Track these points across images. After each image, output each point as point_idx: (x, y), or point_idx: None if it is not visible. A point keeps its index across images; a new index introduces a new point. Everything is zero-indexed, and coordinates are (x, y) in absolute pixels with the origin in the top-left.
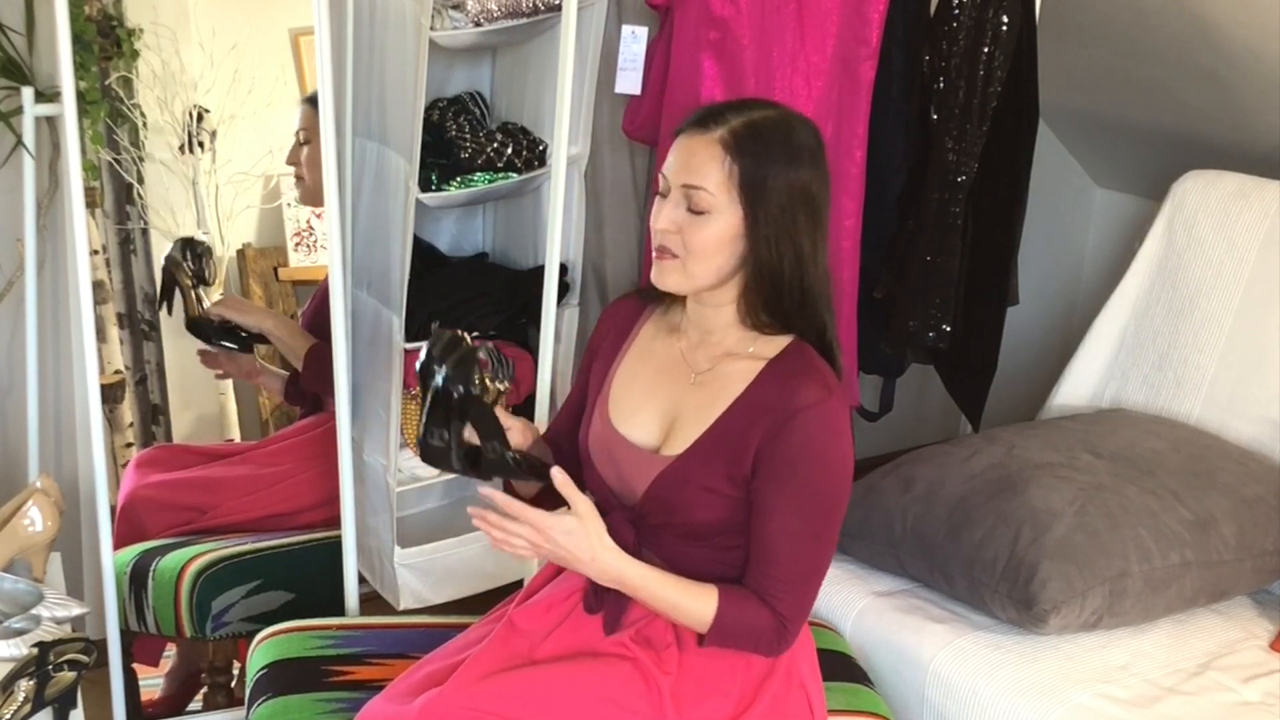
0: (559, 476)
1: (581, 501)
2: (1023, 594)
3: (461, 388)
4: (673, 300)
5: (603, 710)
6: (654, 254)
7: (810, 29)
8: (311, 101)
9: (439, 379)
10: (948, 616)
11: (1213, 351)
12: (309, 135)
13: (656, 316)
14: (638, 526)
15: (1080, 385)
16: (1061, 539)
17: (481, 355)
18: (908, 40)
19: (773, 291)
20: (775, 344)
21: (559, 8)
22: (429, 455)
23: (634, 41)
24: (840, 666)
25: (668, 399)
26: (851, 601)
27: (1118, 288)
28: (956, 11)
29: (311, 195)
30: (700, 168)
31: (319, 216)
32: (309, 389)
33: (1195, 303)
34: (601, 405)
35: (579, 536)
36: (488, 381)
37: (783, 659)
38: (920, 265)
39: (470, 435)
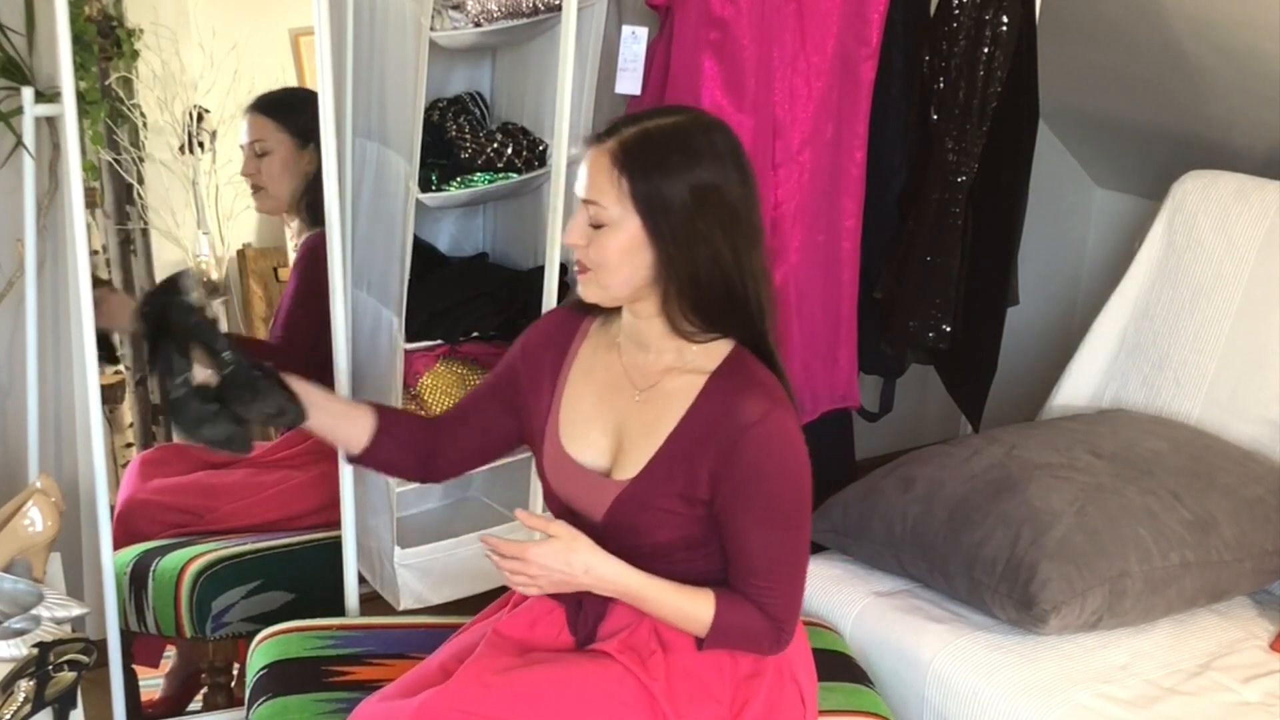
0: (524, 517)
1: (556, 526)
2: (1023, 594)
3: (166, 310)
4: (610, 312)
5: (601, 709)
6: (574, 269)
7: (810, 29)
8: (260, 108)
9: (149, 316)
10: (948, 616)
11: (1213, 351)
12: (265, 146)
13: (596, 330)
14: (602, 546)
15: (1080, 385)
16: (1061, 539)
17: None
18: (908, 40)
19: (694, 296)
20: (713, 354)
21: (559, 8)
22: (182, 416)
23: (634, 42)
24: (840, 666)
25: (614, 417)
26: (851, 601)
27: (1118, 288)
28: (956, 12)
29: (275, 205)
30: (594, 182)
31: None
32: None
33: (1195, 303)
34: (552, 428)
35: (566, 554)
36: (193, 299)
37: (773, 661)
38: (920, 265)
39: (206, 378)
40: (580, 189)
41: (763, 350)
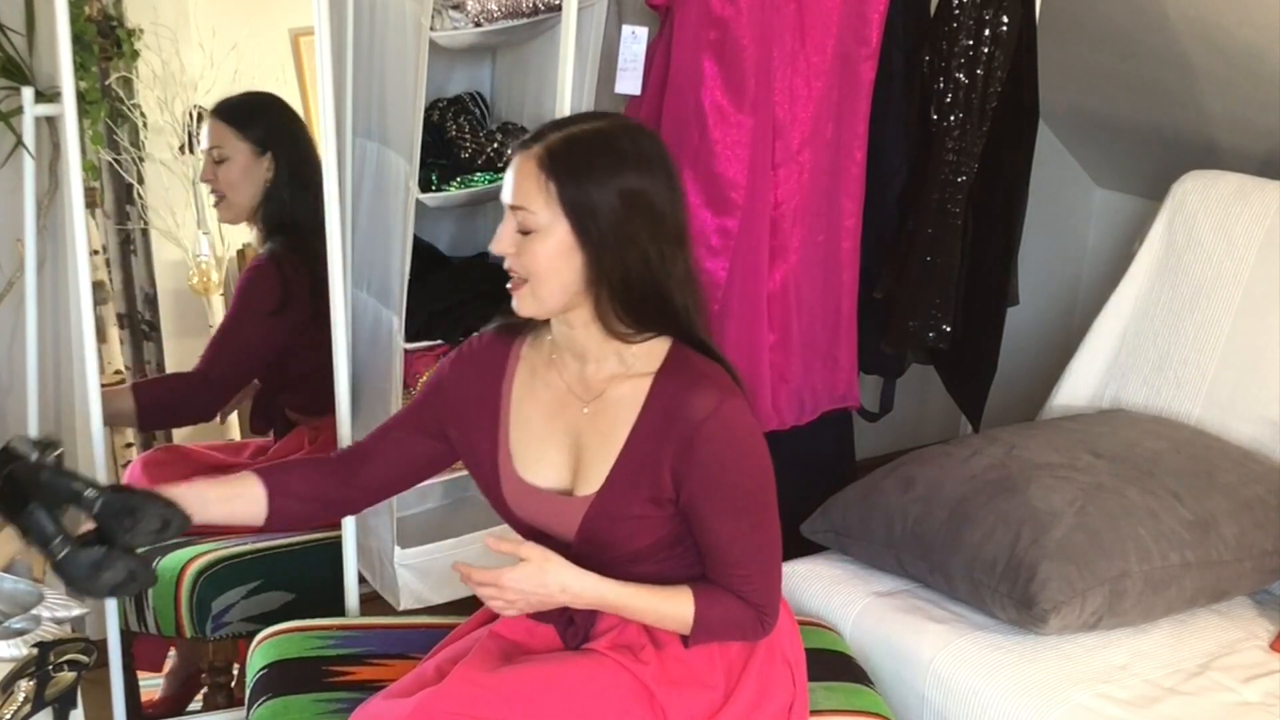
0: (493, 544)
1: (526, 548)
2: (1023, 594)
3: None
4: (539, 329)
5: (595, 704)
6: (509, 284)
7: (810, 29)
8: (219, 114)
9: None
10: (948, 616)
11: (1213, 351)
12: (223, 153)
13: (528, 352)
14: (578, 563)
15: (1080, 385)
16: (1061, 539)
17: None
18: (908, 40)
19: (625, 297)
20: (654, 354)
21: (559, 8)
22: (76, 573)
23: (634, 41)
24: (840, 666)
25: (567, 435)
26: (851, 601)
27: (1118, 288)
28: (956, 11)
29: (236, 214)
30: (522, 187)
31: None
32: (146, 416)
33: (1195, 303)
34: (504, 459)
35: (539, 575)
36: (34, 458)
37: (762, 640)
38: (920, 265)
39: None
40: (507, 195)
41: (699, 344)
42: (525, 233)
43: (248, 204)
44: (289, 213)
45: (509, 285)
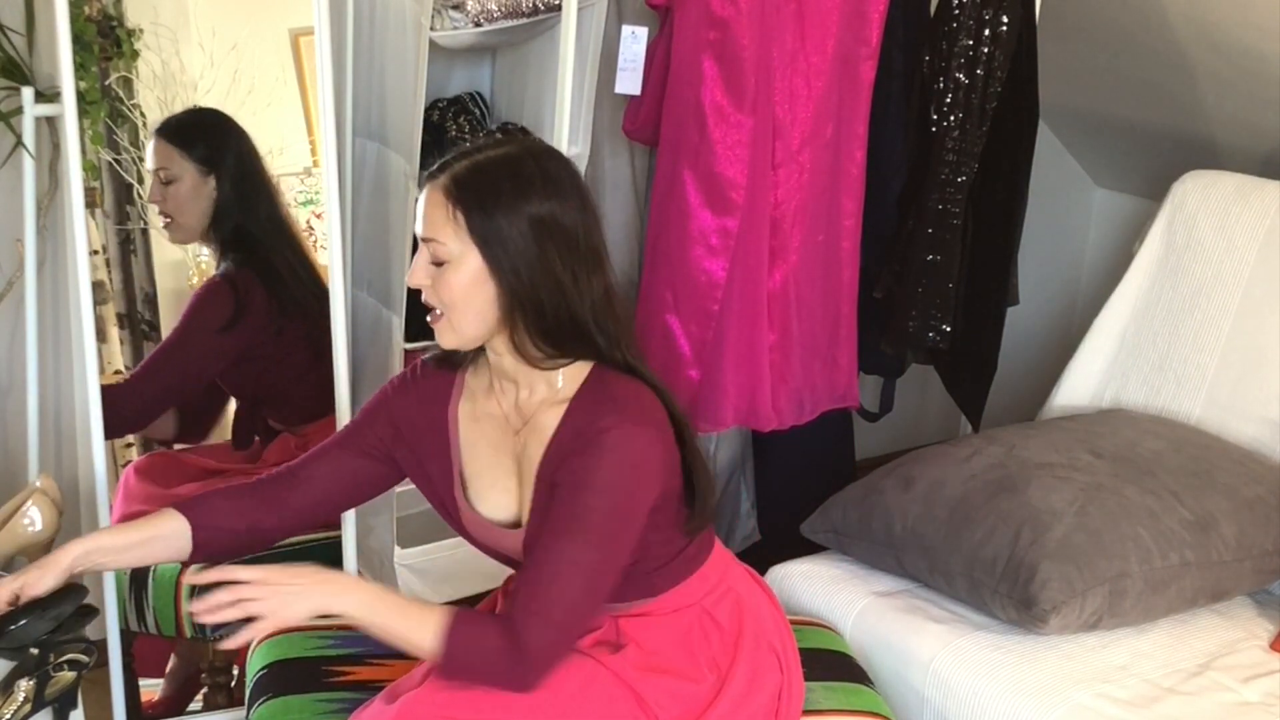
0: (211, 576)
1: (248, 572)
2: (1023, 594)
3: None
4: (479, 359)
5: (576, 703)
6: (427, 317)
7: (810, 29)
8: (163, 133)
9: None
10: (948, 616)
11: (1213, 351)
12: (170, 174)
13: (470, 380)
14: None
15: (1080, 385)
16: (1061, 539)
17: None
18: (908, 40)
19: (540, 324)
20: (576, 377)
21: (559, 8)
22: None
23: (634, 41)
24: (840, 666)
25: (508, 465)
26: (851, 601)
27: (1118, 288)
28: (956, 11)
29: (186, 235)
30: (431, 219)
31: (318, 216)
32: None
33: (1195, 303)
34: (460, 492)
35: (289, 570)
36: None
37: (745, 627)
38: (920, 265)
39: None
40: (420, 227)
41: (623, 365)
42: (438, 264)
43: (197, 224)
44: (240, 230)
45: (429, 319)
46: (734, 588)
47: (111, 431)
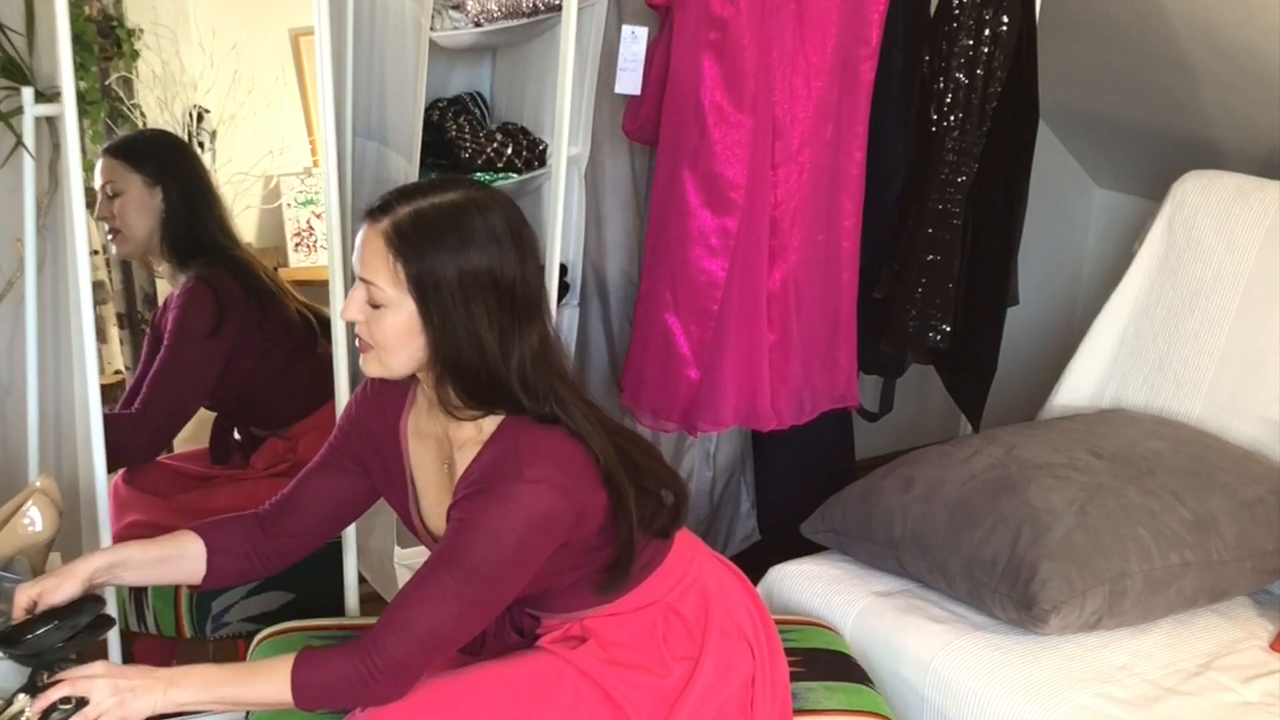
0: (63, 691)
1: (77, 683)
2: (1023, 594)
3: None
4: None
5: (542, 705)
6: (356, 343)
7: (810, 29)
8: (111, 152)
9: None
10: (948, 616)
11: (1213, 351)
12: (116, 187)
13: (419, 395)
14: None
15: (1080, 385)
16: (1061, 539)
17: None
18: (908, 40)
19: (457, 380)
20: (495, 420)
21: (559, 8)
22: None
23: (634, 41)
24: (840, 666)
25: (449, 480)
26: (851, 601)
27: (1118, 288)
28: (956, 11)
29: (134, 248)
30: (369, 262)
31: (318, 216)
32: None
33: (1195, 303)
34: (413, 507)
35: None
36: None
37: (713, 618)
38: (920, 265)
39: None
40: (356, 266)
41: (542, 416)
42: (375, 305)
43: (144, 237)
44: (195, 238)
45: (357, 344)
46: (700, 579)
47: (128, 462)
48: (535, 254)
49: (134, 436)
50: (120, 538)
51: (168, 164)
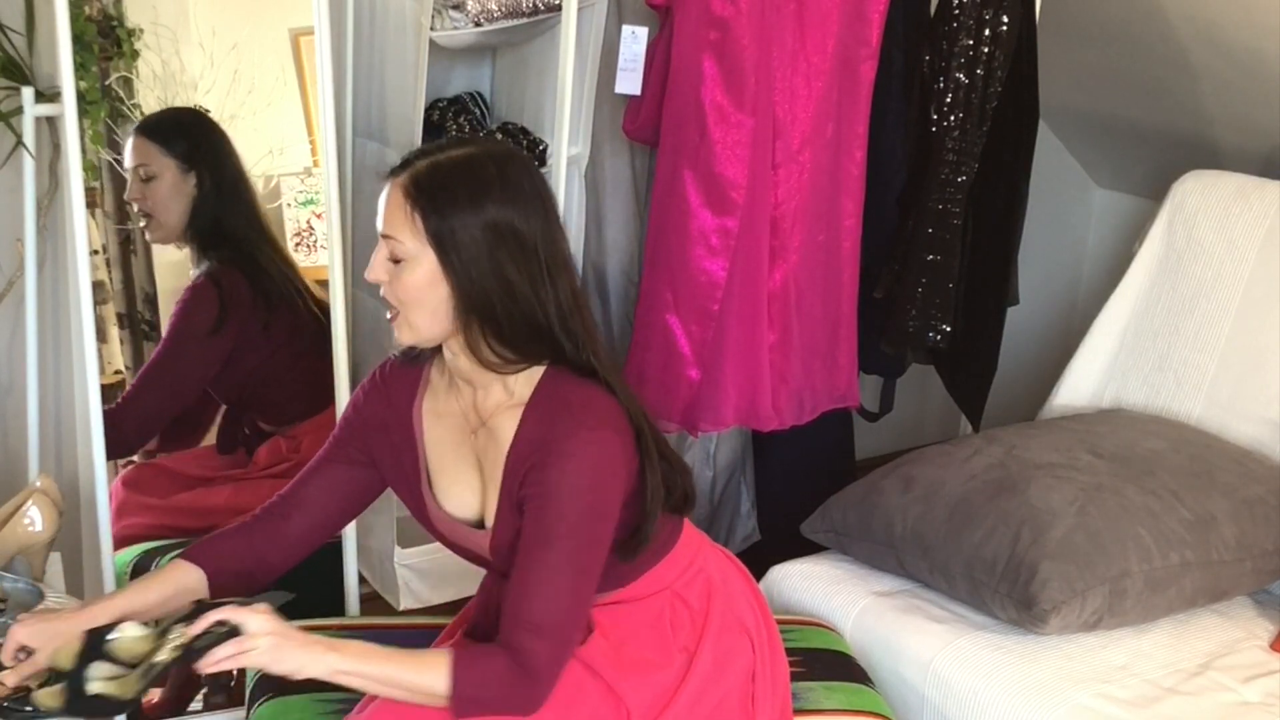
0: (221, 616)
1: (254, 622)
2: (1023, 594)
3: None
4: (439, 355)
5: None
6: (386, 314)
7: (810, 29)
8: (143, 131)
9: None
10: (948, 616)
11: (1213, 351)
12: (150, 171)
13: (435, 377)
14: (506, 578)
15: (1080, 385)
16: (1062, 539)
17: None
18: (908, 40)
19: (494, 328)
20: (530, 380)
21: (559, 8)
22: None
23: (634, 41)
24: (840, 666)
25: (470, 461)
26: (851, 601)
27: (1118, 288)
28: (956, 11)
29: (165, 233)
30: (390, 217)
31: (319, 216)
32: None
33: (1195, 303)
34: (426, 489)
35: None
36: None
37: (714, 608)
38: (920, 265)
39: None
40: (380, 222)
41: (580, 367)
42: (396, 261)
43: (176, 223)
44: (221, 228)
45: (387, 315)
46: (705, 569)
47: (115, 452)
48: (555, 212)
49: (121, 425)
50: (120, 538)
51: (203, 148)
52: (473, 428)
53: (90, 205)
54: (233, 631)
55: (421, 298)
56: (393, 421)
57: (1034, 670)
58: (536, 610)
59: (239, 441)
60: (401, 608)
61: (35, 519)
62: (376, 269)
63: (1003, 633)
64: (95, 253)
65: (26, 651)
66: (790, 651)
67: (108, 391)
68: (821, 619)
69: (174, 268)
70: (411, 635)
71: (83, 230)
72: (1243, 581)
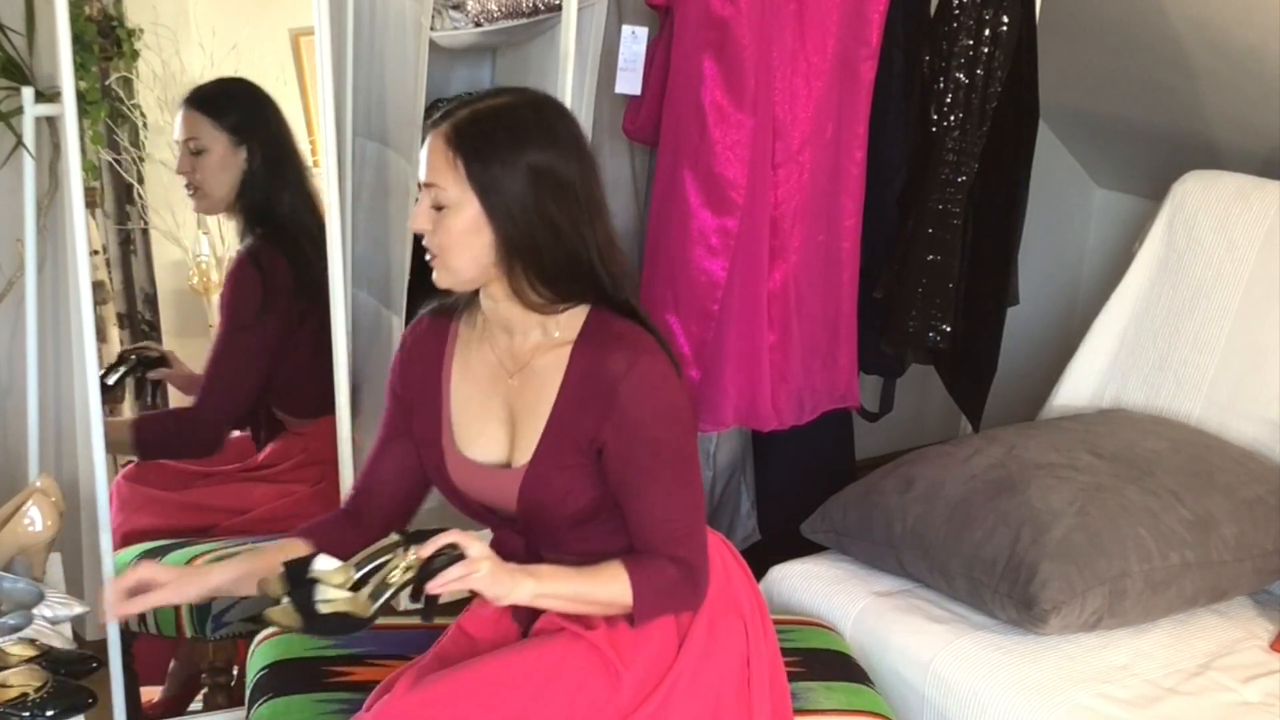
0: (450, 539)
1: (475, 548)
2: (1023, 594)
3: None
4: (471, 305)
5: (550, 692)
6: (426, 256)
7: (810, 29)
8: (193, 103)
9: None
10: (948, 616)
11: (1213, 351)
12: (200, 144)
13: (464, 330)
14: (525, 533)
15: (1080, 385)
16: (1062, 539)
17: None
18: (908, 40)
19: (538, 269)
20: (574, 321)
21: (559, 8)
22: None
23: (634, 41)
24: (840, 666)
25: (501, 408)
26: (851, 601)
27: (1118, 288)
28: (956, 11)
29: (211, 205)
30: (433, 165)
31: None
32: (147, 451)
33: (1195, 303)
34: (447, 438)
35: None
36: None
37: (710, 592)
38: (920, 265)
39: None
40: (422, 172)
41: (619, 306)
42: (439, 208)
43: (225, 195)
44: (269, 205)
45: (427, 258)
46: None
47: (195, 456)
48: (591, 158)
49: (199, 429)
50: (123, 535)
51: (253, 122)
52: (509, 373)
53: (90, 205)
54: (461, 555)
55: (464, 242)
56: (422, 379)
57: (1034, 670)
58: (677, 526)
59: (254, 427)
60: (401, 608)
61: (35, 519)
62: (420, 218)
63: (1003, 633)
64: (95, 253)
65: (144, 589)
66: (790, 651)
67: (108, 392)
68: (821, 619)
69: (174, 268)
70: (411, 636)
71: (83, 230)
72: (1243, 581)
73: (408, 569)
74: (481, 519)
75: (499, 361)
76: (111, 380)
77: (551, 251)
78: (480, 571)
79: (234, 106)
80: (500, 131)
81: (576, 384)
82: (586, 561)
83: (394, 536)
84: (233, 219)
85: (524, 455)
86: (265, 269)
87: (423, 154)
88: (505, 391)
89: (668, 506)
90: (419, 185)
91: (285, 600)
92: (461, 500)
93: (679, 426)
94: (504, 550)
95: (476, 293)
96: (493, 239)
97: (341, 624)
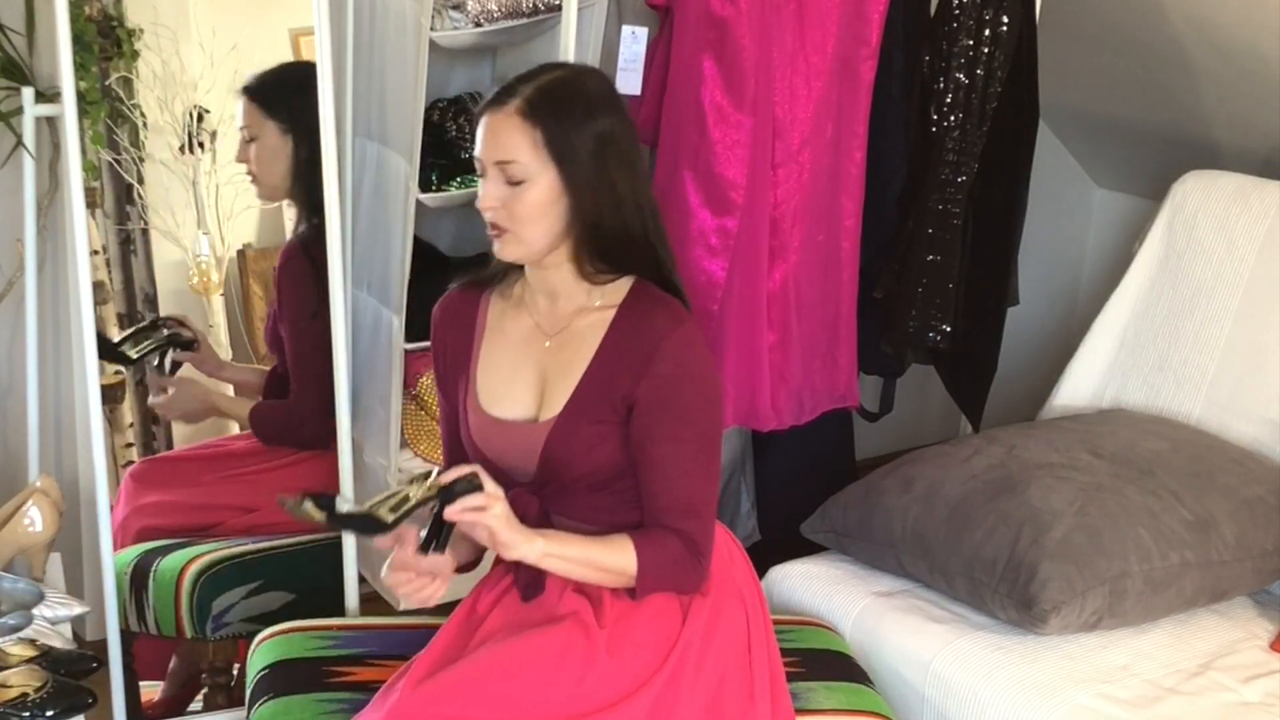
0: (470, 468)
1: (489, 482)
2: (1023, 594)
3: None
4: (507, 278)
5: (555, 679)
6: (489, 232)
7: (810, 29)
8: (247, 92)
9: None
10: (948, 616)
11: (1213, 351)
12: (253, 132)
13: (496, 299)
14: (540, 494)
15: (1080, 385)
16: (1061, 539)
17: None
18: (908, 40)
19: (598, 240)
20: (618, 290)
21: (559, 8)
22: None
23: (634, 41)
24: (840, 666)
25: (532, 370)
26: (851, 601)
27: (1118, 288)
28: (956, 11)
29: (269, 192)
30: (505, 142)
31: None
32: (268, 443)
33: (1195, 303)
34: (473, 399)
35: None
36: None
37: (713, 573)
38: (920, 265)
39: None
40: (489, 153)
41: (663, 280)
42: (513, 184)
43: (279, 183)
44: (319, 194)
45: (490, 232)
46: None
47: (307, 448)
48: (631, 119)
49: (301, 428)
50: (129, 532)
51: (302, 110)
52: (546, 335)
53: (90, 205)
54: (480, 486)
55: (541, 214)
56: (453, 347)
57: (1034, 670)
58: (690, 495)
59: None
60: (402, 608)
61: (35, 519)
62: (490, 197)
63: (1003, 633)
64: (95, 253)
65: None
66: (790, 651)
67: (108, 391)
68: (821, 619)
69: (174, 268)
70: (412, 635)
71: (83, 230)
72: (1243, 581)
73: (429, 489)
74: (495, 479)
75: (536, 325)
76: (135, 353)
77: (611, 222)
78: (495, 510)
79: (285, 97)
80: (573, 100)
81: (616, 342)
82: (596, 533)
83: (419, 474)
84: (293, 204)
85: (551, 411)
86: (317, 259)
87: (484, 135)
88: (539, 355)
89: (683, 478)
90: (478, 166)
91: (308, 503)
92: (478, 459)
93: (710, 406)
94: (518, 511)
95: (516, 266)
96: (567, 208)
97: (363, 523)
